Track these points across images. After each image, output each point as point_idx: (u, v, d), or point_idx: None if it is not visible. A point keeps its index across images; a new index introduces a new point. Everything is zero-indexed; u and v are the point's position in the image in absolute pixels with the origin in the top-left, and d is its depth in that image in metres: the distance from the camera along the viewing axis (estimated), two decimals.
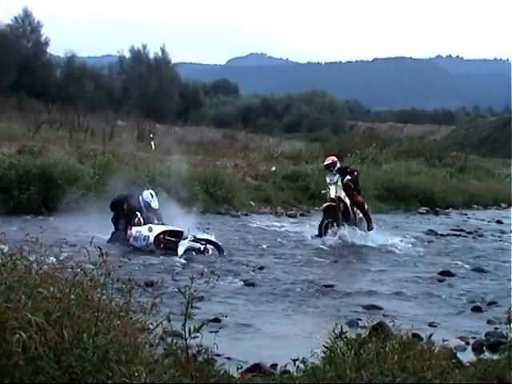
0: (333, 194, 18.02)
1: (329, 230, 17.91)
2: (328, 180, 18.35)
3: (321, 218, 18.34)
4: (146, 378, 4.34)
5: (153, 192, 15.45)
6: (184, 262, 13.73)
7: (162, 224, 15.18)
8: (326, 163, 18.87)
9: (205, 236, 15.58)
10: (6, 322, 4.15)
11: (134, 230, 14.91)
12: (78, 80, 57.23)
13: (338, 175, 18.23)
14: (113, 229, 15.68)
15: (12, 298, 4.33)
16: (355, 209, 18.45)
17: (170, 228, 15.11)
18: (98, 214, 19.80)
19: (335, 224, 18.01)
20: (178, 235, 14.87)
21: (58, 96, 50.96)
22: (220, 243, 15.42)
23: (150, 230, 14.78)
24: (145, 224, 14.93)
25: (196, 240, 14.81)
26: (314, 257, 15.68)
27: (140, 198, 15.30)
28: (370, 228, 18.59)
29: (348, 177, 18.21)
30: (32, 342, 4.10)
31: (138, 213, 15.07)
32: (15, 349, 4.05)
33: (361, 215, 18.61)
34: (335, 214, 17.98)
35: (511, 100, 60.74)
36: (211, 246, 14.91)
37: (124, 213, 15.36)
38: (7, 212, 18.81)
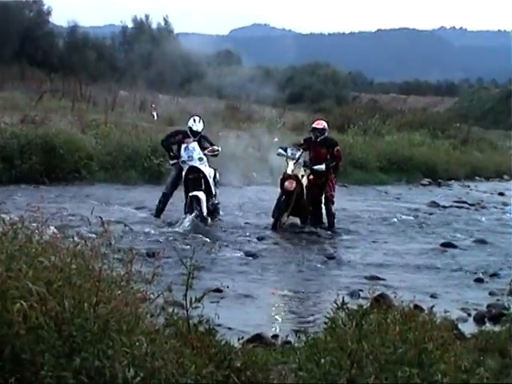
0: (289, 171, 15.02)
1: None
2: (289, 153, 15.21)
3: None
4: (147, 347, 4.33)
5: (196, 117, 15.47)
6: (185, 232, 13.70)
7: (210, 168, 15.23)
8: (315, 126, 15.68)
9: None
10: (7, 291, 4.13)
11: (191, 145, 14.94)
12: (81, 50, 56.95)
13: (301, 152, 15.28)
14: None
15: (13, 267, 4.31)
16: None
17: (215, 178, 15.30)
18: (99, 184, 19.89)
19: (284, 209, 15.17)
20: (207, 191, 14.85)
21: (60, 66, 50.70)
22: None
23: (201, 160, 14.83)
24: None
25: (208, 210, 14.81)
26: (315, 227, 15.60)
27: (186, 128, 15.42)
28: (330, 225, 15.51)
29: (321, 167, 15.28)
30: (33, 312, 4.09)
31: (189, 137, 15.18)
32: (16, 318, 4.04)
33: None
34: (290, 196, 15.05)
35: None
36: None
37: (175, 142, 15.42)
38: (9, 181, 18.81)
